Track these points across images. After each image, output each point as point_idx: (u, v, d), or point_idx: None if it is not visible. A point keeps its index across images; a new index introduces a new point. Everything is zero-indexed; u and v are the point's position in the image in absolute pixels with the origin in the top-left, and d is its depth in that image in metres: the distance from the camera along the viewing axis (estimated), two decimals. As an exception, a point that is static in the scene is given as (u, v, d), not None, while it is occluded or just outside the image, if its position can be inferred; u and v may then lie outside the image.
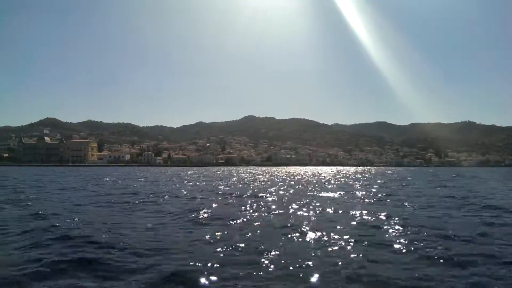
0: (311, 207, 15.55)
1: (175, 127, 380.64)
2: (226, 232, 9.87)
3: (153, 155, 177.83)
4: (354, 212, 13.91)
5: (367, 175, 60.69)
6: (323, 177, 49.45)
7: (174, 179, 43.58)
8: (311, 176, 55.04)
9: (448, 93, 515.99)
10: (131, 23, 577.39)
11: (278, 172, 74.51)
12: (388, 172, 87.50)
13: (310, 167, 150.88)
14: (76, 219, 11.83)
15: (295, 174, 65.50)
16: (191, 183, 34.35)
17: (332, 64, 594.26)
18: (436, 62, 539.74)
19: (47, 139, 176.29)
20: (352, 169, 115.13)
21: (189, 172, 73.23)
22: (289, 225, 11.09)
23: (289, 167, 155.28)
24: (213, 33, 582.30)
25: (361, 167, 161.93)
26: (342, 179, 44.33)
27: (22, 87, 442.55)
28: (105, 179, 41.76)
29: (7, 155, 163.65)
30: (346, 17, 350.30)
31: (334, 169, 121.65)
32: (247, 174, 60.79)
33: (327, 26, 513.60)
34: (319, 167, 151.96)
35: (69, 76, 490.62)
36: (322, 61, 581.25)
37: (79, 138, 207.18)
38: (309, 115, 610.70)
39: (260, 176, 47.82)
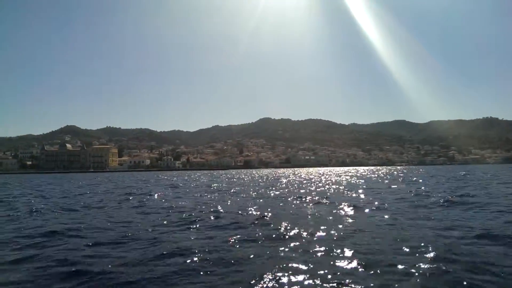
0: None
1: (191, 131, 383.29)
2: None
3: (172, 159, 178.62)
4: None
5: (413, 174, 56.41)
6: (374, 176, 47.42)
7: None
8: (357, 176, 52.43)
9: (467, 90, 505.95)
10: (147, 30, 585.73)
11: (311, 174, 71.60)
12: (421, 170, 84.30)
13: (331, 168, 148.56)
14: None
15: (327, 174, 63.75)
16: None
17: (347, 64, 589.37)
18: (454, 60, 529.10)
19: (68, 146, 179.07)
20: (383, 169, 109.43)
21: (235, 175, 72.36)
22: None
23: (309, 168, 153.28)
24: (227, 35, 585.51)
25: (382, 167, 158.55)
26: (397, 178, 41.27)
27: (43, 96, 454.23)
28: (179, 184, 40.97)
29: (30, 162, 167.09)
30: (360, 16, 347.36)
31: (361, 169, 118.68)
32: (293, 177, 52.22)
33: (340, 26, 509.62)
34: (339, 168, 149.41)
35: (88, 85, 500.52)
36: (337, 61, 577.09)
37: (98, 144, 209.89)
38: (325, 115, 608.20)
39: (302, 181, 44.92)
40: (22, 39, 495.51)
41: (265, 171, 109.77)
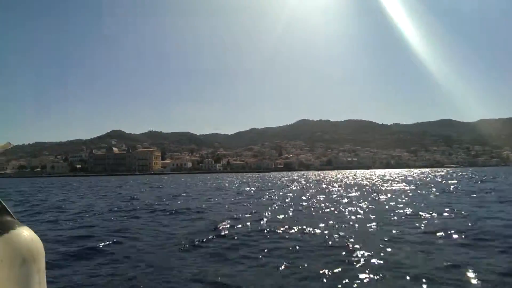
0: None
1: (229, 134, 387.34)
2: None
3: (213, 162, 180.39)
4: None
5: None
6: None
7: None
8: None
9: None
10: (186, 33, 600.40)
11: (367, 179, 64.18)
12: (480, 173, 78.46)
13: (375, 170, 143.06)
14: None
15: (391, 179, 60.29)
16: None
17: (387, 62, 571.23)
18: (500, 57, 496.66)
19: (115, 149, 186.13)
20: (444, 171, 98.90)
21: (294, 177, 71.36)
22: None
23: (351, 170, 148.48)
24: (262, 37, 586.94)
25: (431, 169, 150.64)
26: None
27: (91, 102, 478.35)
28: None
29: (79, 166, 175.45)
30: (399, 13, 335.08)
31: (414, 171, 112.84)
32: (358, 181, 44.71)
33: (378, 23, 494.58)
34: (385, 170, 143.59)
35: (132, 91, 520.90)
36: (376, 59, 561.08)
37: (142, 148, 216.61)
38: (365, 115, 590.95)
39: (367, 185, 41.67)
40: (72, 50, 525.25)
41: (307, 173, 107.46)
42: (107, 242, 8.85)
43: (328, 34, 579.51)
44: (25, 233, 0.98)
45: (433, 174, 75.42)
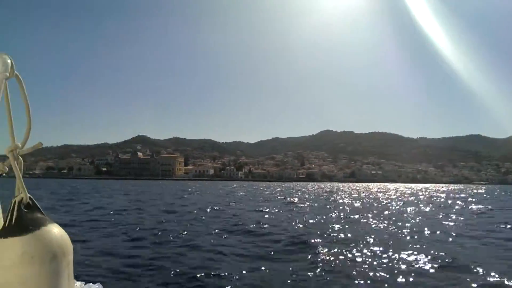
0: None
1: (252, 142, 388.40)
2: None
3: (234, 170, 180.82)
4: None
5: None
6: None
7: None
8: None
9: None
10: (213, 45, 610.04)
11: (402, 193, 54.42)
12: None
13: (401, 184, 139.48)
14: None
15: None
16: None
17: (415, 75, 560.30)
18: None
19: (139, 154, 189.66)
20: (476, 188, 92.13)
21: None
22: None
23: (375, 183, 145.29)
24: (287, 46, 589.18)
25: (458, 185, 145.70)
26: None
27: (117, 108, 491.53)
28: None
29: (105, 169, 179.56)
30: (427, 23, 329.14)
31: (440, 187, 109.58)
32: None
33: (407, 33, 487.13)
34: (409, 185, 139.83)
35: (157, 97, 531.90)
36: (403, 71, 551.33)
37: (166, 153, 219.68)
38: (391, 128, 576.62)
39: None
40: (102, 56, 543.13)
41: (329, 184, 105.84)
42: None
43: (355, 44, 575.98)
44: (55, 230, 1.01)
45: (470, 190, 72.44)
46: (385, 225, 15.02)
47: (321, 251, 9.18)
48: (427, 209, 24.65)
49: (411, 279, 6.90)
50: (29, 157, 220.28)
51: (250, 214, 18.87)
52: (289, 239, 11.07)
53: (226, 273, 7.00)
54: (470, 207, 27.53)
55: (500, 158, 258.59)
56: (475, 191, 74.19)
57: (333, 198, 35.78)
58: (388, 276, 7.04)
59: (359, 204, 27.97)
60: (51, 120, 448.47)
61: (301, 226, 14.24)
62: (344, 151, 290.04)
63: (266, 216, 18.02)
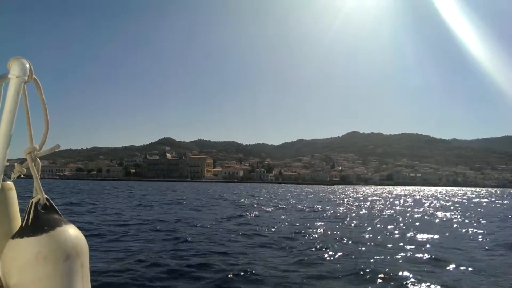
0: None
1: (276, 144, 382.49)
2: None
3: (265, 171, 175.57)
4: None
5: None
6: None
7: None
8: None
9: None
10: (240, 47, 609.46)
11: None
12: None
13: (445, 188, 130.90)
14: None
15: None
16: None
17: (446, 73, 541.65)
18: None
19: (168, 155, 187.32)
20: None
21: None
22: None
23: (415, 187, 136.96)
24: (312, 45, 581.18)
25: (504, 189, 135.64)
26: None
27: (144, 111, 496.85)
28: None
29: (134, 170, 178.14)
30: (459, 24, 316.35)
31: (496, 191, 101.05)
32: None
33: (437, 32, 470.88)
34: (451, 188, 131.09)
35: (182, 100, 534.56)
36: (434, 70, 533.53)
37: (191, 155, 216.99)
38: (422, 129, 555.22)
39: None
40: (127, 61, 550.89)
41: (366, 188, 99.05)
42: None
43: (383, 43, 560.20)
44: (70, 230, 1.02)
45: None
46: None
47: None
48: None
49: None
50: (60, 159, 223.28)
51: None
52: None
53: None
54: None
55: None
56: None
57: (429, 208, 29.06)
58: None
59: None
60: (80, 124, 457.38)
61: None
62: (373, 153, 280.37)
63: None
